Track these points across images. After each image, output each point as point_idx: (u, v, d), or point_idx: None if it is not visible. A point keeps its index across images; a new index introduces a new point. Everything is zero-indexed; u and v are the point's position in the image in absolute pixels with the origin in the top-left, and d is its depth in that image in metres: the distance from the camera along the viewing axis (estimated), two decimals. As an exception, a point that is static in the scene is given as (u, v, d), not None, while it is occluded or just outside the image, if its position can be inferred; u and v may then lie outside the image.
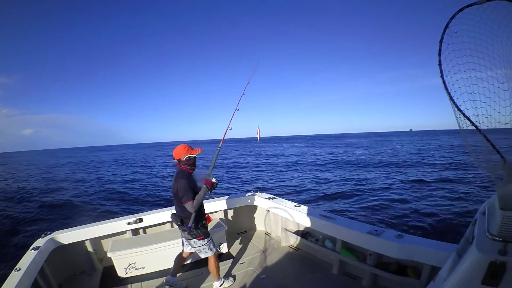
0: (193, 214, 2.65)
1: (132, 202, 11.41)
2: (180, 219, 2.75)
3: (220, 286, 2.92)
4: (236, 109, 3.22)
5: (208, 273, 3.15)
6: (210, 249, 2.83)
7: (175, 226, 3.92)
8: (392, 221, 6.41)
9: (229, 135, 3.16)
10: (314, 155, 27.71)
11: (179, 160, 2.74)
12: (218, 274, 2.91)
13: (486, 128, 1.10)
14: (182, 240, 2.99)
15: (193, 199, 2.62)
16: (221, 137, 3.14)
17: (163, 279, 3.10)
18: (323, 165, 19.35)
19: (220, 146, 3.12)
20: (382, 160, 19.59)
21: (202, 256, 2.88)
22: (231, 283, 3.00)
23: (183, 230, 2.80)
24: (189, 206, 2.61)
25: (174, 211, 3.59)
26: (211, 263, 2.86)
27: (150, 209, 4.18)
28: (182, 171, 2.74)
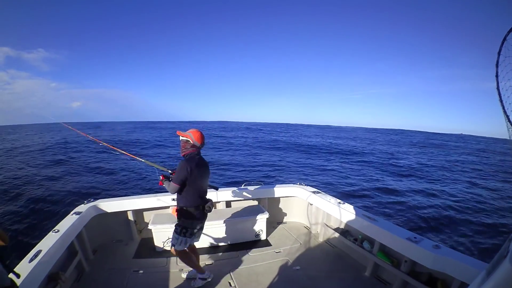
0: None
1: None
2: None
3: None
4: None
5: (244, 254, 3.39)
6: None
7: (218, 207, 4.06)
8: (431, 229, 6.09)
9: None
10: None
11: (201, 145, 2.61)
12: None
13: None
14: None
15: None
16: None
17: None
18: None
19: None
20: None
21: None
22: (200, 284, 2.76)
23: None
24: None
25: (218, 192, 3.83)
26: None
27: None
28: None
